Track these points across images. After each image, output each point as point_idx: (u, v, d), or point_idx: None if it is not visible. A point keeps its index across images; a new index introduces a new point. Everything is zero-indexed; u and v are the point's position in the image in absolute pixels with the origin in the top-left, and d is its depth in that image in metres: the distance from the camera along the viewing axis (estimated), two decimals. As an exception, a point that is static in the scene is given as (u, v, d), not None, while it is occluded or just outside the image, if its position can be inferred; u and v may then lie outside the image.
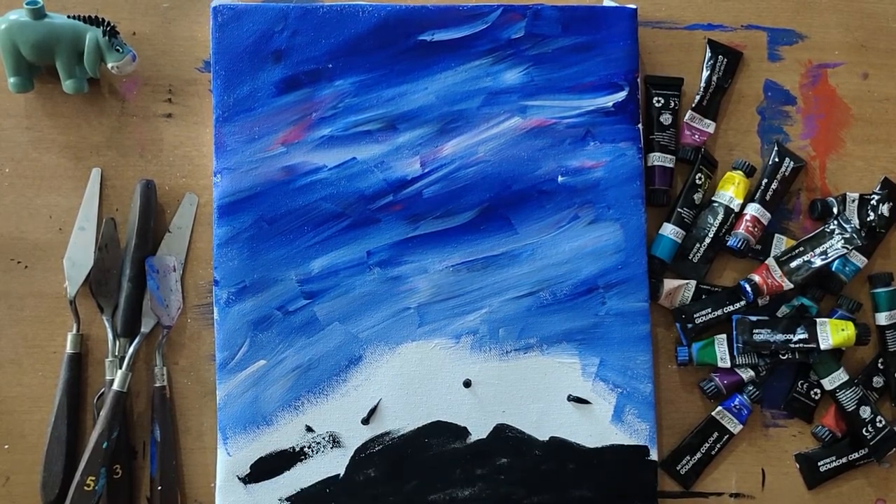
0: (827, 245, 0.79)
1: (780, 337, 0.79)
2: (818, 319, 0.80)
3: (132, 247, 0.77)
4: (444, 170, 0.79)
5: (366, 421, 0.77)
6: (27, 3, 0.73)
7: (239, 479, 0.75)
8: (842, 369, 0.80)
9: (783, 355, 0.80)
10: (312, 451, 0.76)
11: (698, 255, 0.82)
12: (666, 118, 0.82)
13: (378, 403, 0.77)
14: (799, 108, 0.85)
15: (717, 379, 0.80)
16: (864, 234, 0.81)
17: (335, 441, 0.76)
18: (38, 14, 0.74)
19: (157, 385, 0.77)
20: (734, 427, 0.80)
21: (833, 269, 0.81)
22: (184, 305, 0.79)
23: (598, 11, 0.80)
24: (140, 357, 0.78)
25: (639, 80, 0.81)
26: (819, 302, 0.82)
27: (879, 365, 0.83)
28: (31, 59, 0.75)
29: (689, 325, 0.80)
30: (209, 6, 0.79)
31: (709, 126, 0.83)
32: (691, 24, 0.85)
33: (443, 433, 0.77)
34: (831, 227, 0.80)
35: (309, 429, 0.76)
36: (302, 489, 0.75)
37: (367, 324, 0.77)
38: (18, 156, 0.79)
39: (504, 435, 0.77)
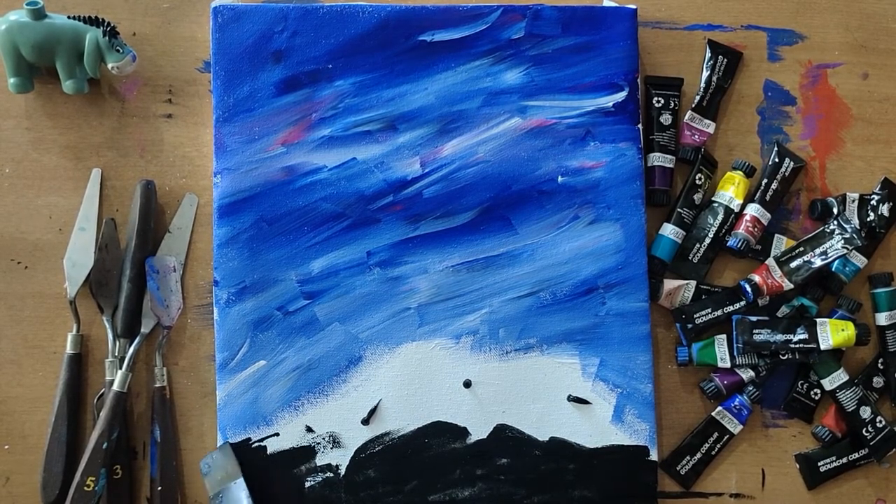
0: (827, 245, 0.79)
1: (780, 337, 0.79)
2: (818, 320, 0.80)
3: (132, 247, 0.77)
4: (444, 170, 0.79)
5: (366, 421, 0.77)
6: (27, 4, 0.74)
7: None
8: (842, 369, 0.80)
9: (783, 355, 0.80)
10: (312, 451, 0.76)
11: (698, 255, 0.82)
12: (666, 118, 0.82)
13: (378, 404, 0.77)
14: (799, 108, 0.85)
15: (717, 379, 0.81)
16: (864, 235, 0.81)
17: (335, 441, 0.76)
18: (39, 14, 0.74)
19: (157, 385, 0.77)
20: (734, 427, 0.80)
21: (833, 269, 0.81)
22: (184, 306, 0.79)
23: (598, 12, 0.80)
24: (140, 357, 0.78)
25: (639, 80, 0.81)
26: (819, 302, 0.82)
27: (879, 365, 0.83)
28: (31, 60, 0.75)
29: (689, 326, 0.80)
30: (209, 6, 0.79)
31: (709, 126, 0.83)
32: (691, 25, 0.85)
33: (443, 433, 0.77)
34: (831, 227, 0.80)
35: (309, 429, 0.76)
36: (302, 490, 0.75)
37: (367, 324, 0.77)
38: (19, 156, 0.79)
39: (504, 435, 0.77)
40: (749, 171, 0.82)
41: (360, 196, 0.78)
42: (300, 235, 0.77)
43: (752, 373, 0.80)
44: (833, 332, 0.78)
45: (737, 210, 0.81)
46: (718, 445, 0.80)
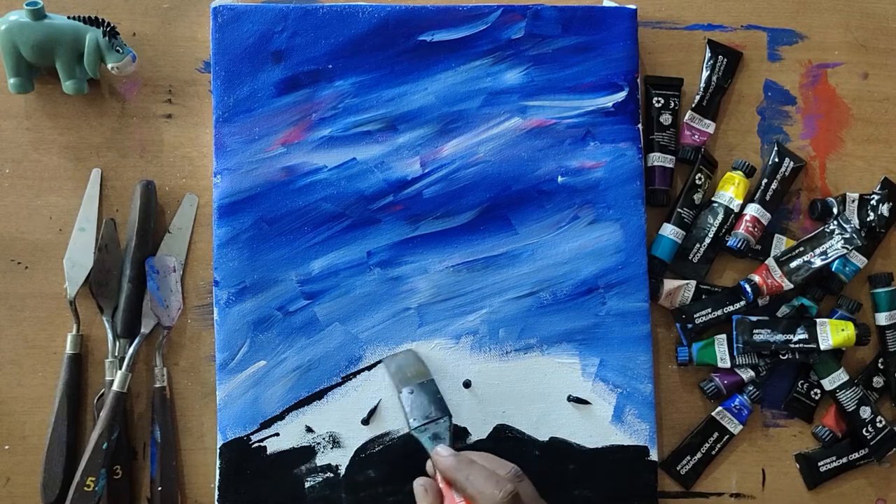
0: (827, 245, 0.79)
1: (780, 337, 0.79)
2: (818, 320, 0.80)
3: (132, 247, 0.77)
4: (445, 170, 0.79)
5: (366, 421, 0.77)
6: (27, 4, 0.73)
7: (239, 479, 0.75)
8: (842, 369, 0.80)
9: (783, 355, 0.80)
10: (312, 451, 0.76)
11: (698, 255, 0.82)
12: (666, 118, 0.82)
13: (378, 404, 0.77)
14: (799, 108, 0.85)
15: (717, 379, 0.81)
16: (863, 235, 0.81)
17: (335, 441, 0.76)
18: (39, 15, 0.74)
19: (157, 386, 0.77)
20: (734, 427, 0.80)
21: (833, 269, 0.81)
22: (184, 306, 0.79)
23: (598, 12, 0.80)
24: (140, 358, 0.78)
25: (639, 80, 0.81)
26: (819, 302, 0.82)
27: (879, 365, 0.83)
28: (31, 60, 0.75)
29: (689, 326, 0.80)
30: (209, 7, 0.79)
31: (709, 126, 0.83)
32: (691, 24, 0.85)
33: (443, 433, 0.77)
34: (831, 227, 0.80)
35: (309, 429, 0.76)
36: (302, 490, 0.75)
37: (367, 324, 0.77)
38: (19, 156, 0.79)
39: (504, 435, 0.77)
40: (749, 171, 0.82)
41: (360, 196, 0.78)
42: (300, 236, 0.77)
43: (752, 373, 0.80)
44: (833, 332, 0.78)
45: (737, 210, 0.81)
46: (718, 445, 0.80)
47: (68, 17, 0.75)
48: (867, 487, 0.83)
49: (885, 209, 0.83)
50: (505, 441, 0.77)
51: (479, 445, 0.77)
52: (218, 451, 0.75)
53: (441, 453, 0.68)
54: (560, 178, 0.79)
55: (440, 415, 0.71)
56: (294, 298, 0.77)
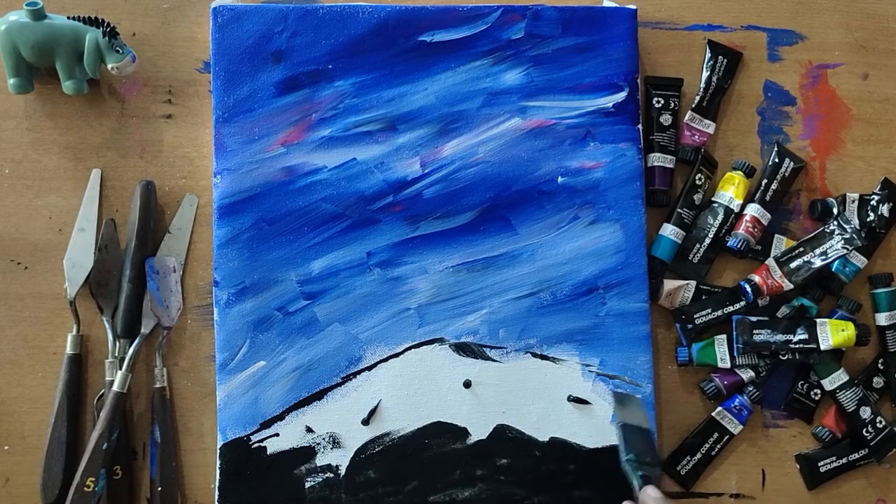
0: (827, 245, 0.79)
1: (780, 337, 0.79)
2: (818, 320, 0.80)
3: (132, 248, 0.77)
4: (444, 170, 0.79)
5: (366, 422, 0.77)
6: (27, 4, 0.73)
7: (239, 479, 0.75)
8: (842, 370, 0.80)
9: (783, 356, 0.80)
10: (312, 451, 0.76)
11: (698, 255, 0.82)
12: (666, 119, 0.82)
13: (378, 404, 0.77)
14: (799, 108, 0.85)
15: (717, 379, 0.80)
16: (863, 235, 0.81)
17: (335, 442, 0.76)
18: (38, 15, 0.74)
19: (157, 386, 0.77)
20: (734, 427, 0.80)
21: (833, 269, 0.81)
22: (184, 306, 0.79)
23: (598, 12, 0.80)
24: (140, 358, 0.78)
25: (639, 80, 0.81)
26: (819, 302, 0.82)
27: (879, 365, 0.83)
28: (31, 60, 0.75)
29: (690, 326, 0.80)
30: (209, 7, 0.79)
31: (709, 126, 0.83)
32: (691, 25, 0.85)
33: (443, 434, 0.77)
34: (831, 227, 0.80)
35: (309, 429, 0.76)
36: (302, 490, 0.75)
37: (367, 324, 0.77)
38: (18, 157, 0.79)
39: (504, 435, 0.77)
40: (749, 172, 0.82)
41: (360, 196, 0.78)
42: (300, 236, 0.77)
43: (752, 373, 0.80)
44: (833, 333, 0.78)
45: (737, 210, 0.81)
46: (718, 446, 0.80)
47: (68, 18, 0.75)
48: (867, 488, 0.83)
49: (885, 209, 0.83)
50: (505, 441, 0.77)
51: (479, 445, 0.77)
52: (218, 451, 0.75)
53: (651, 494, 0.69)
54: (560, 179, 0.79)
55: (655, 463, 0.72)
56: (294, 299, 0.77)
